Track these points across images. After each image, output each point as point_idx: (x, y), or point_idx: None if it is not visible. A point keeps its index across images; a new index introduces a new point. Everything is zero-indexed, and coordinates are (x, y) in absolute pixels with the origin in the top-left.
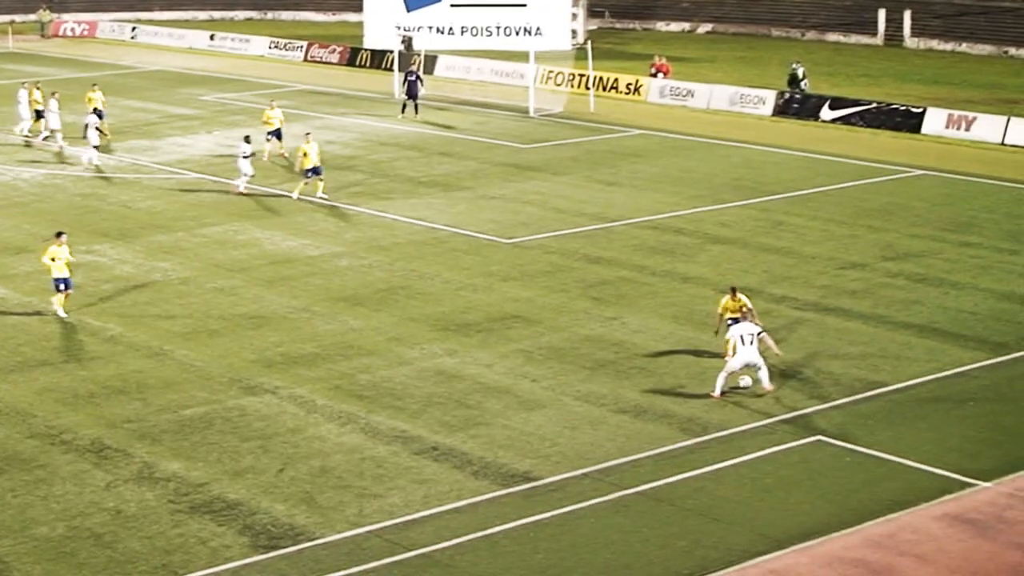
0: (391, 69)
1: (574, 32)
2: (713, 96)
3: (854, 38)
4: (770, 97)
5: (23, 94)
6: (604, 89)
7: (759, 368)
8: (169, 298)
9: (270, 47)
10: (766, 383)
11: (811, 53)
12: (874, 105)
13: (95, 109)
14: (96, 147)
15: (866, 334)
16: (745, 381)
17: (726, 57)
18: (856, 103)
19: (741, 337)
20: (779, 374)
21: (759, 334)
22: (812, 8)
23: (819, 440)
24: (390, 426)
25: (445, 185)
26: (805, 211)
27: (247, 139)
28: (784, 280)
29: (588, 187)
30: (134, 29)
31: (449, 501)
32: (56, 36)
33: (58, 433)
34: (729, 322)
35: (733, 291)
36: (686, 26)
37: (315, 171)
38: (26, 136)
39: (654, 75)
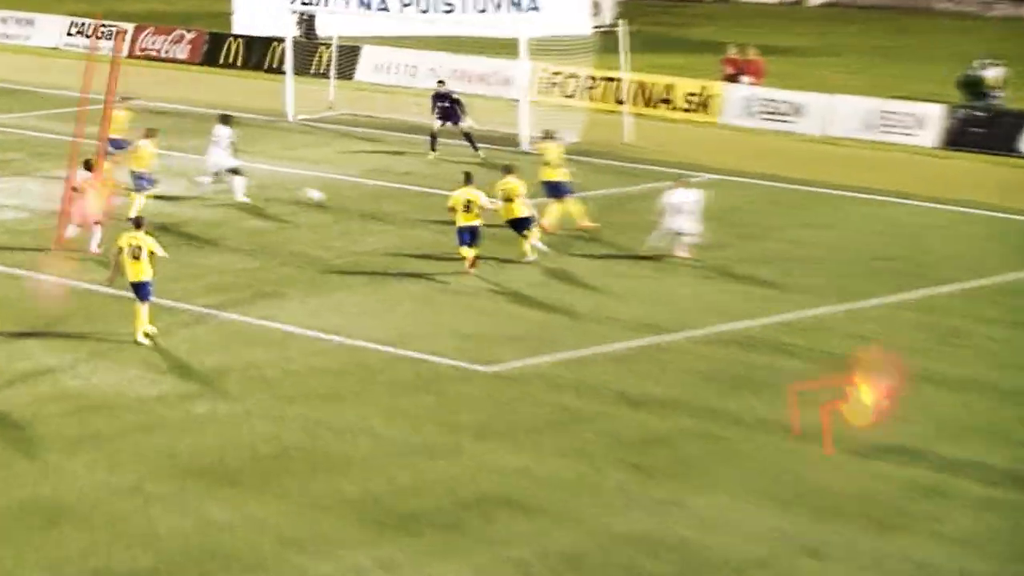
0: (279, 70)
1: (596, 6)
2: (836, 115)
3: None
4: (934, 116)
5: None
6: (648, 103)
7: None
8: None
9: (71, 32)
10: None
11: (1004, 41)
12: None
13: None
14: None
15: None
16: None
17: (856, 47)
18: None
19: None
20: None
21: None
22: None
23: None
24: None
25: (375, 270)
26: (998, 312)
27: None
28: (965, 434)
29: (620, 274)
30: None
31: None
32: None
33: None
34: None
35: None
36: None
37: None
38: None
39: (732, 78)
